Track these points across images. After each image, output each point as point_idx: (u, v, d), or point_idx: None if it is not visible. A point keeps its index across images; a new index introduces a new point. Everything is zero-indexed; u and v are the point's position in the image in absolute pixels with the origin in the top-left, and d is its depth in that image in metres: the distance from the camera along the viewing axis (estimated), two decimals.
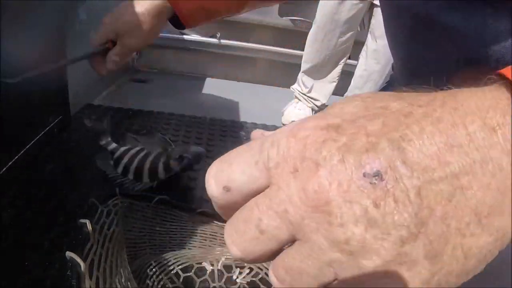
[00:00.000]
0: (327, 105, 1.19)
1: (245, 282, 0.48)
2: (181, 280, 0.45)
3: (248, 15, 1.43)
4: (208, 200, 0.66)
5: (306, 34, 1.15)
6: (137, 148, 0.66)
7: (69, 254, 0.30)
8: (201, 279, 0.46)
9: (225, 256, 0.50)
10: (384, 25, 0.53)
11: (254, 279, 0.48)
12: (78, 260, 0.30)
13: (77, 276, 0.30)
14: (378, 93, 0.16)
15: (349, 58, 1.15)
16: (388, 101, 0.15)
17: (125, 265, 0.38)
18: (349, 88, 1.19)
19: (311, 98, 1.16)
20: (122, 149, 0.66)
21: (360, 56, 1.13)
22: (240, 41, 1.46)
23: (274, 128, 1.10)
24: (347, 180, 0.13)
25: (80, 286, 0.30)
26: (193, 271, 0.46)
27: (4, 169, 0.59)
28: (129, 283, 0.37)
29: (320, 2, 1.05)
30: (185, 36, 1.45)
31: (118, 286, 0.34)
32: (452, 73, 0.42)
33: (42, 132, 0.71)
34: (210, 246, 0.52)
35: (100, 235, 0.37)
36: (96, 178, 0.65)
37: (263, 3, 0.55)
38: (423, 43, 0.44)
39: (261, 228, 0.14)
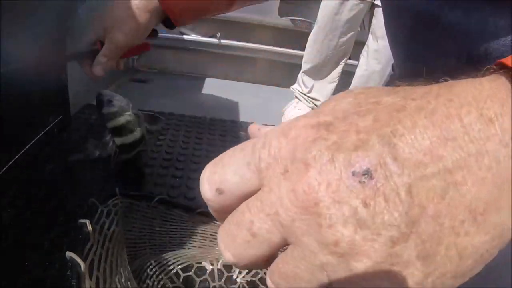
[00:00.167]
0: None
1: (245, 281, 0.48)
2: (181, 279, 0.45)
3: (248, 15, 1.43)
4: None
5: (306, 34, 1.15)
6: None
7: (69, 254, 0.30)
8: (201, 278, 0.46)
9: None
10: (385, 25, 0.53)
11: (253, 278, 0.48)
12: (78, 260, 0.30)
13: (77, 276, 0.30)
14: (371, 88, 0.15)
15: (349, 58, 1.16)
16: (381, 96, 0.14)
17: (125, 265, 0.38)
18: (350, 88, 1.19)
19: (311, 98, 1.16)
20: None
21: (361, 56, 1.13)
22: (240, 41, 1.46)
23: None
24: (336, 180, 0.13)
25: (80, 286, 0.30)
26: (193, 270, 0.46)
27: (4, 169, 0.59)
28: (129, 283, 0.37)
29: (322, 2, 1.05)
30: (185, 36, 1.45)
31: (118, 286, 0.34)
32: (452, 72, 0.42)
33: (42, 132, 0.71)
34: (210, 246, 0.52)
35: (100, 235, 0.37)
36: (96, 178, 0.65)
37: (252, 1, 0.53)
38: (424, 42, 0.44)
39: (252, 231, 0.14)
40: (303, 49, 1.18)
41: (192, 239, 0.53)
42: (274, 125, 0.17)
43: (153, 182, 0.70)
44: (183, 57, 1.52)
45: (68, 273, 0.31)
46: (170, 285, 0.45)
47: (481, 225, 0.12)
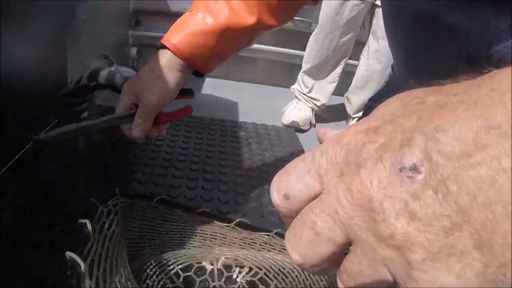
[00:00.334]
0: (327, 105, 1.19)
1: (245, 281, 0.48)
2: (181, 279, 0.45)
3: None
4: (208, 200, 0.66)
5: (306, 34, 1.15)
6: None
7: (69, 254, 0.30)
8: (201, 278, 0.46)
9: (225, 256, 0.50)
10: (384, 25, 0.53)
11: (253, 278, 0.48)
12: (78, 260, 0.30)
13: (77, 276, 0.30)
14: (416, 90, 0.16)
15: (350, 58, 1.16)
16: (425, 96, 0.15)
17: (125, 265, 0.38)
18: (350, 88, 1.19)
19: (311, 98, 1.16)
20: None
21: (362, 56, 1.13)
22: None
23: (274, 127, 1.10)
24: (386, 176, 0.14)
25: (80, 286, 0.30)
26: (193, 270, 0.46)
27: (4, 169, 0.59)
28: (129, 283, 0.37)
29: (323, 2, 1.05)
30: None
31: (118, 286, 0.34)
32: (453, 72, 0.42)
33: (42, 132, 0.71)
34: (210, 246, 0.52)
35: (100, 235, 0.37)
36: (96, 178, 0.65)
37: (266, 30, 0.55)
38: (424, 42, 0.44)
39: (316, 230, 0.15)
40: (303, 49, 1.18)
41: (192, 239, 0.53)
42: (336, 130, 0.19)
43: (153, 182, 0.70)
44: None
45: (68, 273, 0.31)
46: (170, 285, 0.45)
47: None
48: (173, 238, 0.52)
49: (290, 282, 0.48)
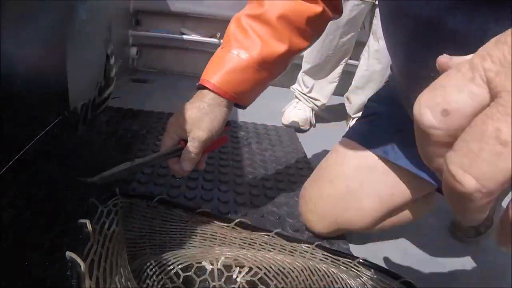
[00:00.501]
0: (327, 105, 1.19)
1: (245, 281, 0.48)
2: (181, 279, 0.45)
3: None
4: (208, 200, 0.65)
5: None
6: None
7: (69, 254, 0.30)
8: (201, 278, 0.46)
9: (225, 256, 0.50)
10: (382, 26, 0.54)
11: (253, 278, 0.48)
12: (78, 260, 0.30)
13: (77, 276, 0.30)
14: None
15: (350, 58, 1.15)
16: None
17: (125, 265, 0.38)
18: (350, 88, 1.19)
19: (312, 98, 1.16)
20: None
21: (362, 56, 1.13)
22: None
23: (274, 127, 1.10)
24: None
25: (80, 286, 0.30)
26: (193, 270, 0.46)
27: (4, 169, 0.59)
28: (129, 283, 0.37)
29: None
30: (185, 36, 1.45)
31: (118, 286, 0.34)
32: None
33: (42, 132, 0.71)
34: (210, 246, 0.52)
35: (100, 235, 0.37)
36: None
37: (303, 51, 0.57)
38: (423, 44, 0.44)
39: (502, 138, 0.13)
40: None
41: (192, 239, 0.53)
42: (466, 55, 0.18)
43: (153, 182, 0.70)
44: (183, 57, 1.52)
45: (68, 273, 0.31)
46: (170, 285, 0.45)
47: None
48: (173, 238, 0.52)
49: (290, 282, 0.48)
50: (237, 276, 0.48)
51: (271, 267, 0.49)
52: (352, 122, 1.19)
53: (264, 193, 0.74)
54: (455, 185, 0.15)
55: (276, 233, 0.54)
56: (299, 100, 1.18)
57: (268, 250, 0.53)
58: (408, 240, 0.70)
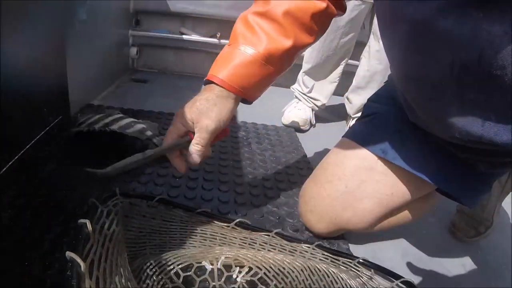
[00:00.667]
0: (327, 105, 1.19)
1: (245, 281, 0.48)
2: (181, 279, 0.45)
3: None
4: (208, 200, 0.65)
5: None
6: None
7: (69, 254, 0.30)
8: (201, 278, 0.46)
9: (225, 255, 0.50)
10: (379, 29, 0.54)
11: (253, 278, 0.48)
12: (78, 260, 0.30)
13: (77, 276, 0.30)
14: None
15: (350, 58, 1.15)
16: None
17: (125, 265, 0.38)
18: (350, 88, 1.18)
19: (312, 98, 1.16)
20: None
21: (362, 56, 1.13)
22: None
23: (274, 127, 1.10)
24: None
25: (80, 286, 0.30)
26: (193, 270, 0.46)
27: (4, 169, 0.59)
28: (129, 283, 0.37)
29: None
30: (184, 36, 1.45)
31: (118, 286, 0.34)
32: (446, 76, 0.42)
33: (42, 132, 0.71)
34: (210, 246, 0.52)
35: (100, 235, 0.37)
36: (96, 178, 0.65)
37: (307, 47, 0.57)
38: (418, 47, 0.44)
39: None
40: None
41: (192, 239, 0.53)
42: None
43: (153, 182, 0.70)
44: (183, 57, 1.52)
45: (68, 273, 0.31)
46: (170, 285, 0.45)
47: None
48: (173, 238, 0.52)
49: (290, 282, 0.48)
50: (237, 276, 0.48)
51: (271, 267, 0.49)
52: (352, 122, 1.19)
53: (264, 193, 0.74)
54: None
55: (276, 233, 0.54)
56: (299, 100, 1.18)
57: (268, 250, 0.53)
58: (408, 240, 0.70)
